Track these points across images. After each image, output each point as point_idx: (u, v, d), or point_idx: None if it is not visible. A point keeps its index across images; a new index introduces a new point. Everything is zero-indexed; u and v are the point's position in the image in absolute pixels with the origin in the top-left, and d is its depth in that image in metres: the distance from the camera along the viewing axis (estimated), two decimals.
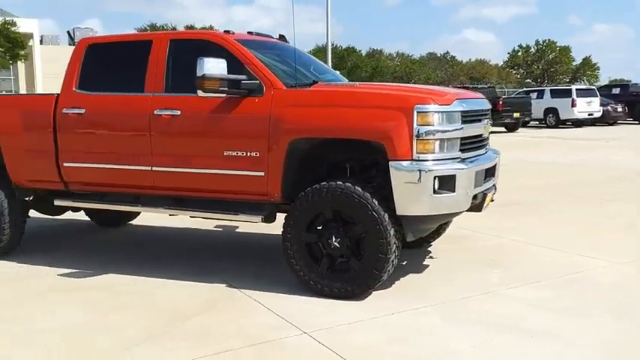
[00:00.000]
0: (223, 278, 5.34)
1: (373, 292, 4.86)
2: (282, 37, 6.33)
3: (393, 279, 5.18)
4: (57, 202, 5.97)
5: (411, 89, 5.15)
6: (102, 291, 5.11)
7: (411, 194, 4.57)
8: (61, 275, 5.58)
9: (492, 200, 5.48)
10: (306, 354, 3.81)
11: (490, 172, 5.32)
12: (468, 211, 5.01)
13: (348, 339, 4.00)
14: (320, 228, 4.90)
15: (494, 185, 5.43)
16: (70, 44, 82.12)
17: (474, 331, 4.12)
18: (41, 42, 78.42)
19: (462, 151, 4.80)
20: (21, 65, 69.43)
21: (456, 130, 4.70)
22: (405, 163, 4.54)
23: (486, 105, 5.42)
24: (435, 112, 4.58)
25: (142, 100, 5.38)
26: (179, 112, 5.23)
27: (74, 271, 5.68)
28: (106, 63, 5.82)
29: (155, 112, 5.29)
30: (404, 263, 5.78)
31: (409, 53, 66.03)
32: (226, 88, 4.91)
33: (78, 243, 7.00)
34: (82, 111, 5.60)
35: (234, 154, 5.05)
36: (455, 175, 4.63)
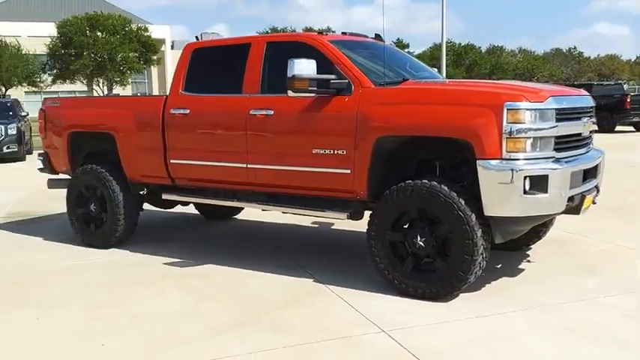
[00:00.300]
0: (311, 273, 5.47)
1: (461, 294, 4.77)
2: (377, 37, 6.35)
3: (484, 281, 5.06)
4: (164, 196, 6.39)
5: (505, 86, 4.97)
6: (200, 279, 5.42)
7: (500, 194, 4.44)
8: (166, 264, 5.97)
9: (594, 202, 5.17)
10: (380, 352, 3.83)
11: (591, 173, 5.04)
12: (563, 213, 4.78)
13: (425, 340, 3.97)
14: (405, 227, 4.88)
15: (595, 187, 5.12)
16: None
17: (560, 338, 3.93)
18: (172, 47, 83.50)
19: (556, 150, 4.58)
20: (154, 69, 74.31)
21: (550, 128, 4.49)
22: (493, 162, 4.42)
23: (588, 102, 5.12)
24: (527, 109, 4.41)
25: (240, 101, 5.62)
26: (272, 112, 5.41)
27: (178, 260, 6.07)
28: (209, 66, 6.13)
29: (250, 112, 5.52)
30: (498, 266, 5.61)
31: (533, 49, 63.01)
32: (315, 88, 5.01)
33: (187, 235, 7.42)
34: (187, 111, 5.95)
35: (322, 152, 5.15)
36: (547, 176, 4.43)
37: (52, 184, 7.46)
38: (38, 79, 45.80)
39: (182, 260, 6.06)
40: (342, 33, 6.09)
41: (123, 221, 6.58)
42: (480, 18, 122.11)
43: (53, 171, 7.35)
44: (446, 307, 4.56)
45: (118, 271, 5.79)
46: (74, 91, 48.86)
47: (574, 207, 4.80)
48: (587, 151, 5.13)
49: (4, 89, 44.30)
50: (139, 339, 4.11)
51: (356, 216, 5.22)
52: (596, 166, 5.13)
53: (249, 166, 5.61)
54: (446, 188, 4.58)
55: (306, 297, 4.88)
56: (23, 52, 47.08)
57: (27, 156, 17.47)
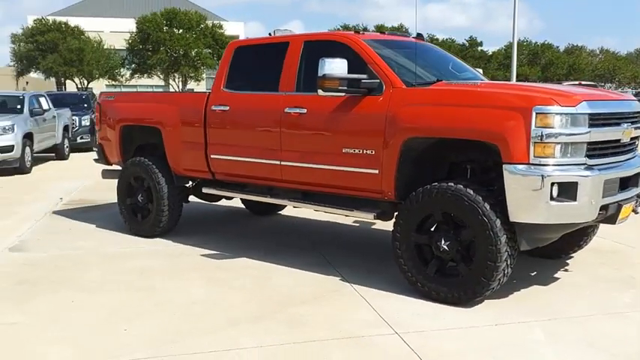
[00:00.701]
0: (339, 271, 5.51)
1: (486, 300, 4.68)
2: (419, 36, 6.29)
3: (513, 288, 4.95)
4: (204, 190, 6.58)
5: (537, 89, 4.81)
6: (230, 272, 5.54)
7: (526, 200, 4.32)
8: (202, 255, 6.14)
9: (636, 212, 4.95)
10: (388, 353, 3.82)
11: (631, 182, 4.83)
12: (598, 222, 4.61)
13: (437, 344, 3.94)
14: (431, 229, 4.83)
15: (635, 196, 4.89)
16: None
17: (576, 352, 3.81)
18: None
19: (589, 156, 4.41)
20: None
21: (581, 134, 4.33)
22: (520, 166, 4.31)
23: (630, 108, 4.89)
24: (557, 113, 4.26)
25: (276, 99, 5.71)
26: (305, 111, 5.47)
27: (215, 252, 6.24)
28: (249, 64, 6.25)
29: (285, 110, 5.59)
30: (533, 273, 5.48)
31: (616, 50, 60.09)
32: (346, 88, 5.02)
33: (229, 228, 7.59)
34: (227, 108, 6.10)
35: (352, 151, 5.16)
36: (576, 183, 4.28)
37: (106, 174, 7.83)
38: (118, 73, 47.77)
39: (218, 252, 6.23)
40: (380, 32, 6.06)
41: (167, 212, 6.81)
42: (563, 16, 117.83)
43: (107, 162, 7.70)
44: (467, 313, 4.49)
45: (155, 260, 6.01)
46: (152, 86, 50.72)
47: (609, 216, 4.62)
48: (630, 158, 4.91)
49: (86, 82, 46.50)
50: (160, 326, 4.27)
51: (384, 216, 5.21)
52: (638, 174, 4.90)
53: (282, 163, 5.69)
54: (471, 192, 4.50)
55: (329, 294, 4.92)
56: (105, 47, 49.24)
57: None
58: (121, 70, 48.45)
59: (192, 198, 7.20)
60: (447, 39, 50.58)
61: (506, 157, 4.35)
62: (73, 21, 51.70)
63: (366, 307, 4.62)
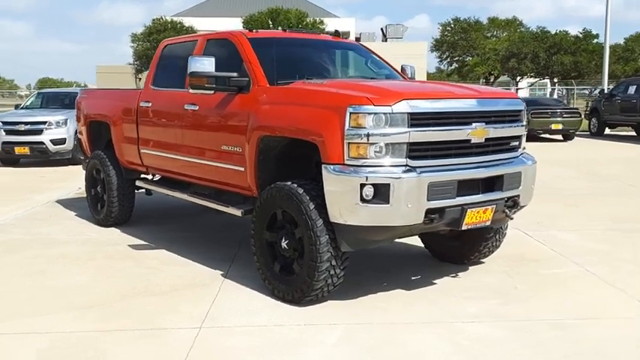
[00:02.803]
0: (231, 266, 5.64)
1: (333, 301, 4.65)
2: (336, 33, 6.23)
3: (374, 290, 4.90)
4: (137, 183, 6.96)
5: (362, 87, 4.61)
6: (132, 261, 5.86)
7: (339, 201, 4.24)
8: (130, 245, 6.46)
9: (510, 217, 4.71)
10: (167, 345, 3.92)
11: (484, 185, 4.55)
12: (433, 226, 4.43)
13: (224, 340, 4.02)
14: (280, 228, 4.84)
15: (492, 200, 4.58)
16: (382, 41, 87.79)
17: (345, 357, 3.71)
18: (359, 39, 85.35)
19: (413, 157, 4.22)
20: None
21: (398, 134, 4.15)
22: (334, 166, 4.24)
23: (481, 107, 4.57)
24: (370, 113, 4.13)
25: (181, 96, 5.92)
26: (197, 108, 5.65)
27: (143, 243, 6.57)
28: (170, 62, 6.51)
29: (184, 106, 5.81)
30: (415, 277, 5.30)
31: None
32: (214, 85, 5.15)
33: (190, 221, 7.83)
34: (150, 104, 6.43)
35: (227, 148, 5.29)
36: (389, 185, 4.12)
37: (84, 166, 8.45)
38: None
39: (146, 244, 6.56)
40: (283, 30, 6.10)
41: (117, 203, 7.25)
42: None
43: (85, 154, 8.32)
44: (294, 312, 4.48)
45: (83, 247, 6.44)
46: None
47: (452, 221, 4.40)
48: (489, 160, 4.61)
49: None
50: (31, 306, 4.66)
51: (251, 213, 5.26)
52: (494, 178, 4.60)
53: (183, 158, 5.92)
54: (300, 191, 4.47)
55: (191, 288, 5.07)
56: None
57: None
58: None
59: None
60: (560, 31, 47.77)
61: (324, 157, 4.29)
62: (189, 21, 54.77)
63: (207, 302, 4.71)
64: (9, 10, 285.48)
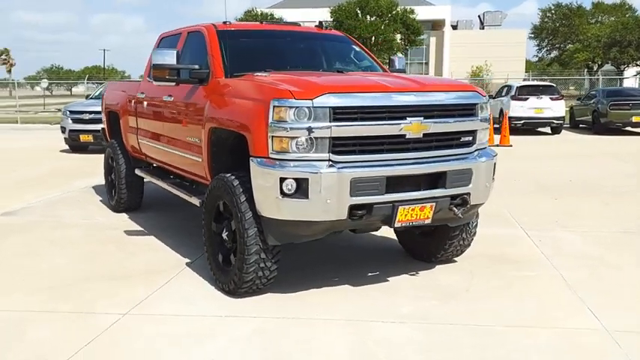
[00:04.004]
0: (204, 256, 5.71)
1: (271, 294, 4.67)
2: (319, 25, 6.15)
3: (322, 285, 4.87)
4: (136, 172, 7.22)
5: (291, 80, 4.44)
6: (114, 246, 6.11)
7: (262, 194, 4.22)
8: (125, 231, 6.71)
9: (457, 215, 4.53)
10: (84, 330, 4.04)
11: (426, 182, 4.37)
12: (382, 224, 4.38)
13: (138, 326, 4.12)
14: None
15: (431, 198, 4.37)
16: (479, 28, 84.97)
17: (242, 350, 3.72)
18: (455, 27, 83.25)
19: (337, 152, 4.11)
20: (432, 49, 75.29)
21: (320, 128, 4.05)
22: (259, 160, 4.21)
23: (417, 100, 4.34)
24: (291, 107, 4.05)
25: (162, 88, 6.07)
26: (172, 98, 5.79)
27: (137, 229, 6.85)
28: None
29: (163, 97, 5.97)
30: (375, 273, 5.19)
31: None
32: (175, 77, 5.25)
33: (183, 209, 8.02)
34: (143, 96, 6.65)
35: (190, 139, 5.39)
36: (307, 180, 4.05)
37: None
38: None
39: (140, 230, 6.83)
40: (260, 22, 6.08)
41: (125, 190, 7.58)
42: None
43: (107, 141, 8.73)
44: (225, 303, 4.52)
45: (83, 231, 6.79)
46: None
47: (385, 218, 4.26)
48: (424, 157, 4.39)
49: None
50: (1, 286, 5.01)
51: None
52: (435, 174, 4.39)
53: (162, 147, 6.11)
54: (235, 183, 4.48)
55: (148, 274, 5.20)
56: None
57: None
58: None
59: None
60: None
61: (252, 149, 4.28)
62: (280, 13, 55.73)
63: (152, 288, 4.82)
64: (123, 5, 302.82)
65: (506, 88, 21.21)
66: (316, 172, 4.04)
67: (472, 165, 4.55)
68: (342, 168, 4.09)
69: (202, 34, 5.62)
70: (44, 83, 41.11)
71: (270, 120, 4.11)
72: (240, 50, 5.52)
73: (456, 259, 5.54)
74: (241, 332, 4.00)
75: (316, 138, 4.07)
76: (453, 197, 4.49)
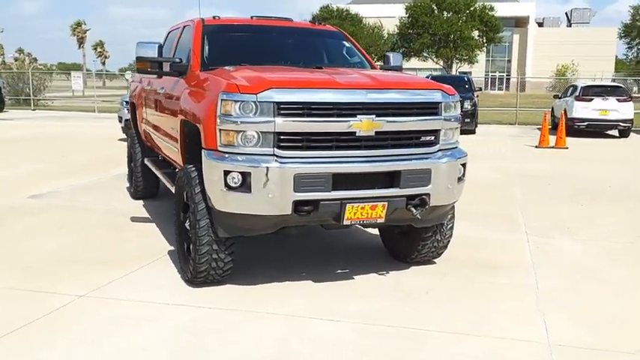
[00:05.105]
0: None
1: (233, 285, 4.73)
2: (313, 21, 6.13)
3: (284, 279, 4.90)
4: (145, 162, 7.45)
5: (245, 75, 4.40)
6: (117, 233, 6.33)
7: (210, 186, 4.28)
8: (133, 218, 6.96)
9: (415, 216, 4.40)
10: (34, 309, 4.21)
11: (379, 181, 4.28)
12: (330, 219, 4.31)
13: (95, 308, 4.27)
14: None
15: (383, 197, 4.27)
16: (567, 26, 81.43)
17: (169, 337, 3.81)
18: (542, 24, 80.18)
19: (282, 147, 4.10)
20: (514, 47, 72.91)
21: (263, 123, 4.05)
22: (208, 152, 4.27)
23: (360, 98, 4.24)
24: (236, 101, 4.08)
25: (158, 80, 6.24)
26: (163, 90, 5.96)
27: (145, 217, 7.07)
28: (169, 45, 6.73)
29: (158, 89, 6.15)
30: (344, 271, 5.15)
31: None
32: (157, 70, 5.39)
33: None
34: (149, 87, 6.87)
35: (172, 129, 5.53)
36: (249, 174, 4.06)
37: None
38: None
39: (147, 217, 7.07)
40: (252, 17, 6.11)
41: (141, 179, 7.85)
42: None
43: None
44: (179, 292, 4.61)
45: (91, 215, 7.10)
46: (415, 69, 51.81)
47: (334, 215, 4.22)
48: (377, 155, 4.29)
49: None
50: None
51: None
52: (388, 173, 4.28)
53: (158, 138, 6.28)
54: (192, 175, 4.55)
55: (133, 259, 5.36)
56: (384, 32, 51.86)
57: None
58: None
59: None
60: None
61: (203, 142, 4.34)
62: (355, 8, 55.61)
63: (122, 273, 4.97)
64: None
65: (571, 88, 20.25)
66: (258, 167, 4.05)
67: (431, 165, 4.41)
68: (285, 163, 4.08)
69: (191, 28, 5.74)
70: (128, 75, 43.20)
71: (218, 113, 4.16)
72: (221, 45, 5.61)
73: (435, 261, 5.39)
74: (177, 322, 4.07)
75: (261, 132, 4.08)
76: (411, 197, 4.37)
